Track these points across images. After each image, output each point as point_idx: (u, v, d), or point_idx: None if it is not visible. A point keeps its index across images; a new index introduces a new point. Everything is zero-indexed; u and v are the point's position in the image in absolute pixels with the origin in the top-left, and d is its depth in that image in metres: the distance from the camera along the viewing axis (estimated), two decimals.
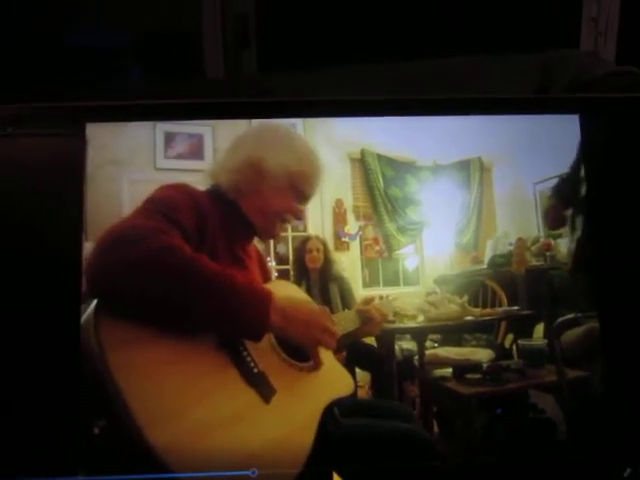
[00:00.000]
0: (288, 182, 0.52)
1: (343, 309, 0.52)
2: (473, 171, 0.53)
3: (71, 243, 0.50)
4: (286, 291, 0.51)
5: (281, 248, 0.53)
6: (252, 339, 0.48)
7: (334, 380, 0.51)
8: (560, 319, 0.51)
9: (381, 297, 0.53)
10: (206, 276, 0.46)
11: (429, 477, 0.48)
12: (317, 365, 0.50)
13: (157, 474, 0.44)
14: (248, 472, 0.46)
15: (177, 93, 0.97)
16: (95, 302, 0.45)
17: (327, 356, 0.51)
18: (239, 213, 0.52)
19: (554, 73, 0.89)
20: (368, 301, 0.52)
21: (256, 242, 0.54)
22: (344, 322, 0.51)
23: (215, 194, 0.52)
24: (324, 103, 0.53)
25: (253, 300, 0.47)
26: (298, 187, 0.52)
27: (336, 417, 0.50)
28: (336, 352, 0.52)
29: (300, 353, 0.50)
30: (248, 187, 0.52)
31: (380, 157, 0.53)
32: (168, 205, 0.48)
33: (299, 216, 0.53)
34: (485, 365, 0.51)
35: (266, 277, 0.54)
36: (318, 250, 0.53)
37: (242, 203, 0.52)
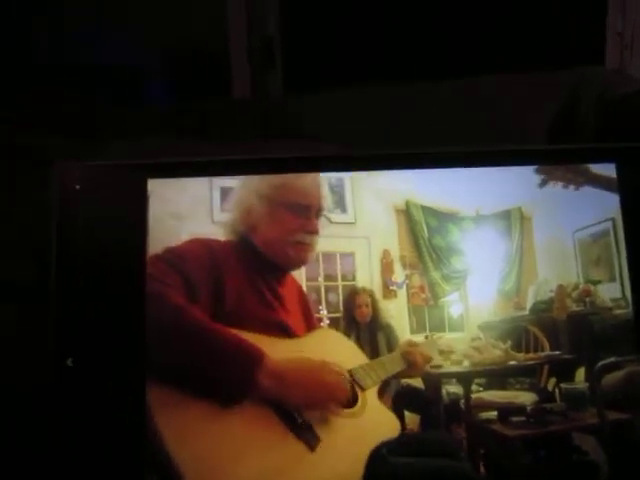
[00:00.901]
0: (269, 204, 0.54)
1: (389, 353, 0.55)
2: (514, 220, 0.56)
3: (135, 294, 0.53)
4: (326, 342, 0.54)
5: (332, 297, 0.56)
6: (230, 402, 0.47)
7: (379, 423, 0.53)
8: (601, 363, 0.53)
9: (426, 336, 0.55)
10: (192, 326, 0.48)
11: None
12: (333, 415, 0.50)
13: None
14: None
15: (203, 113, 1.00)
16: None
17: (371, 399, 0.54)
18: (257, 253, 0.54)
19: (580, 91, 0.91)
20: (412, 344, 0.55)
21: (304, 287, 0.56)
22: (388, 365, 0.54)
23: (235, 243, 0.54)
24: (368, 157, 0.56)
25: (239, 359, 0.48)
26: (283, 201, 0.54)
27: (384, 457, 0.52)
28: (380, 396, 0.54)
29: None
30: (244, 227, 0.54)
31: (424, 208, 0.56)
32: (177, 254, 0.51)
33: (309, 230, 0.54)
34: (529, 408, 0.54)
35: (310, 322, 0.56)
36: (367, 305, 0.56)
37: (255, 242, 0.54)
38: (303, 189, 0.54)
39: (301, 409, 0.49)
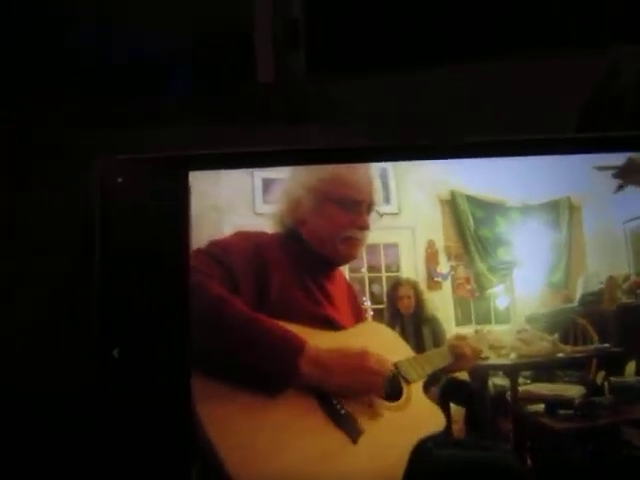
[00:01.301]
0: (318, 197, 0.53)
1: (435, 346, 0.54)
2: (562, 211, 0.55)
3: (179, 287, 0.53)
4: (371, 334, 0.54)
5: (376, 288, 0.55)
6: (274, 390, 0.48)
7: (424, 417, 0.53)
8: None
9: (476, 330, 0.55)
10: (233, 316, 0.48)
11: None
12: (372, 408, 0.50)
13: None
14: None
15: (228, 97, 0.99)
16: None
17: (416, 393, 0.54)
18: (305, 247, 0.53)
19: (619, 66, 0.88)
20: (461, 337, 0.54)
21: (348, 279, 0.56)
22: (435, 359, 0.53)
23: (280, 235, 0.54)
24: (411, 148, 0.55)
25: (280, 348, 0.48)
26: (333, 196, 0.53)
27: (428, 450, 0.52)
28: (426, 390, 0.54)
29: (390, 392, 0.52)
30: (292, 220, 0.53)
31: (469, 198, 0.55)
32: (221, 247, 0.51)
33: (360, 225, 0.53)
34: (577, 401, 0.53)
35: (358, 316, 0.56)
36: (409, 297, 0.56)
37: (303, 235, 0.53)
38: (354, 183, 0.53)
39: (343, 398, 0.49)
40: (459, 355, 0.54)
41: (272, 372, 0.48)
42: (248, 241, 0.52)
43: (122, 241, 0.54)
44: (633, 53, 0.93)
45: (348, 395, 0.50)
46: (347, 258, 0.55)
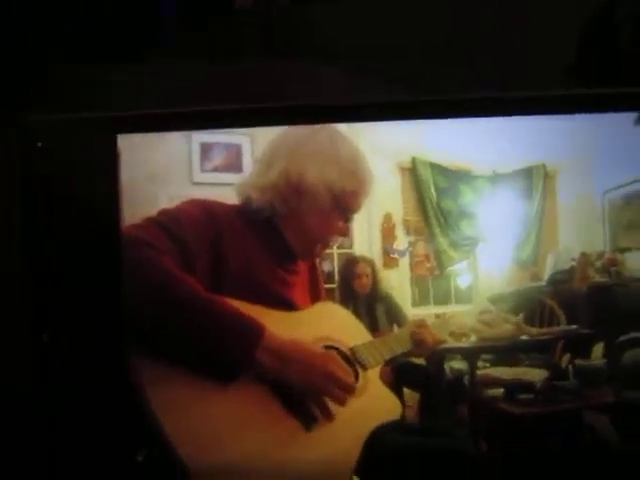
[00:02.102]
0: (331, 201, 0.47)
1: (391, 327, 0.51)
2: (536, 179, 0.49)
3: (111, 258, 0.49)
4: (327, 316, 0.50)
5: (326, 266, 0.51)
6: (227, 377, 0.44)
7: (380, 405, 0.50)
8: (623, 337, 0.49)
9: (437, 316, 0.51)
10: (186, 296, 0.43)
11: None
12: (329, 418, 0.47)
13: None
14: None
15: (207, 28, 0.91)
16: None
17: (373, 381, 0.51)
18: (275, 234, 0.48)
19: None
20: (422, 325, 0.50)
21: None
22: (395, 344, 0.50)
23: (245, 211, 0.48)
24: (372, 106, 0.49)
25: (238, 335, 0.44)
26: (343, 205, 0.48)
27: (382, 440, 0.50)
28: (382, 374, 0.51)
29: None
30: (284, 207, 0.47)
31: (433, 166, 0.49)
32: (174, 219, 0.46)
33: (345, 234, 0.50)
34: (538, 385, 0.50)
35: (318, 296, 0.52)
36: (367, 275, 0.51)
37: (279, 223, 0.48)
38: (363, 201, 0.48)
39: (299, 391, 0.46)
40: (419, 342, 0.50)
41: (227, 359, 0.44)
42: (203, 211, 0.47)
43: (45, 214, 0.49)
44: None
45: (302, 390, 0.46)
46: (315, 257, 0.51)
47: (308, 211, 0.47)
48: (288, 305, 0.49)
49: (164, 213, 0.46)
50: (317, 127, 0.48)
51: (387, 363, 0.50)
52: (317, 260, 0.51)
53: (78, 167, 0.49)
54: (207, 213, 0.47)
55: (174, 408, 0.44)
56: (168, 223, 0.45)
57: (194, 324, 0.43)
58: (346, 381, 0.46)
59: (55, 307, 0.49)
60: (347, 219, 0.49)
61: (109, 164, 0.49)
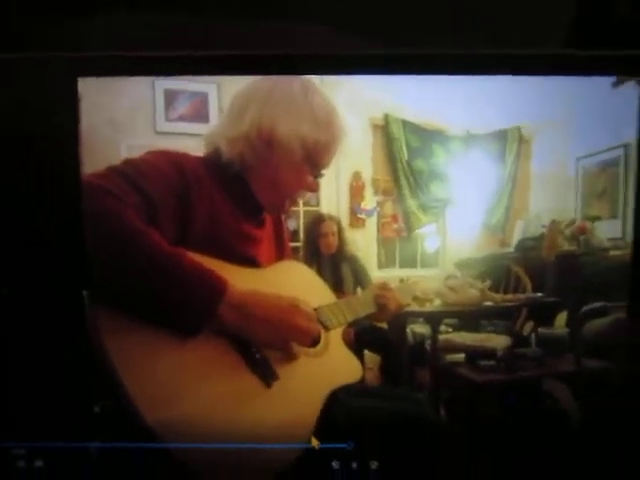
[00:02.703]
0: (303, 154, 0.46)
1: (355, 288, 0.50)
2: (510, 142, 0.48)
3: (70, 207, 0.47)
4: (290, 275, 0.50)
5: (291, 223, 0.50)
6: (189, 331, 0.44)
7: (341, 367, 0.50)
8: (586, 307, 0.48)
9: (401, 280, 0.50)
10: (150, 251, 0.42)
11: (433, 460, 0.49)
12: (292, 357, 0.46)
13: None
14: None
15: None
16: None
17: (335, 342, 0.50)
18: (243, 187, 0.47)
19: None
20: (385, 287, 0.49)
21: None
22: (358, 306, 0.49)
23: (214, 162, 0.46)
24: (346, 58, 0.47)
25: (200, 288, 0.43)
26: (314, 159, 0.46)
27: (341, 402, 0.49)
28: (344, 336, 0.50)
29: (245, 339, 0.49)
30: (255, 159, 0.46)
31: (406, 124, 0.48)
32: (139, 170, 0.44)
33: (314, 189, 0.48)
34: (500, 352, 0.50)
35: (282, 254, 0.51)
36: (333, 234, 0.50)
37: (247, 176, 0.47)
38: (334, 153, 0.47)
39: (262, 346, 0.46)
40: (382, 306, 0.50)
41: (190, 314, 0.43)
42: (170, 163, 0.45)
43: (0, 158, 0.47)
44: None
45: (266, 345, 0.46)
46: (282, 212, 0.50)
47: (279, 163, 0.46)
48: (252, 262, 0.48)
49: (129, 163, 0.44)
50: (290, 78, 0.46)
51: (350, 325, 0.50)
52: (283, 217, 0.50)
53: (36, 109, 0.47)
54: (174, 165, 0.45)
55: (133, 360, 0.43)
56: (133, 175, 0.43)
57: (157, 278, 0.43)
58: (313, 332, 0.46)
59: (12, 258, 0.48)
60: (317, 174, 0.47)
61: (69, 107, 0.47)
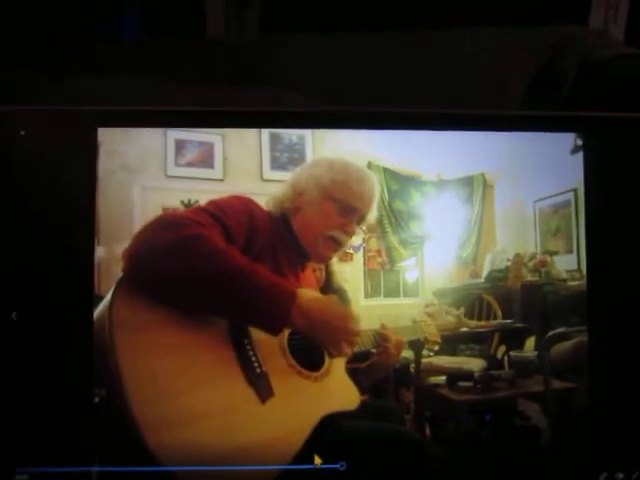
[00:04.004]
0: (323, 193, 0.55)
1: None
2: (476, 187, 0.56)
3: (83, 246, 0.52)
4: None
5: None
6: (270, 332, 0.52)
7: (339, 393, 0.54)
8: (551, 332, 0.54)
9: (415, 322, 0.56)
10: (232, 266, 0.50)
11: (417, 477, 0.52)
12: (343, 355, 0.54)
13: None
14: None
15: (175, 51, 0.96)
16: (114, 286, 0.50)
17: (337, 369, 0.55)
18: (292, 237, 0.56)
19: (563, 50, 0.89)
20: (385, 327, 0.56)
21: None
22: (360, 340, 0.54)
23: (272, 216, 0.56)
24: (333, 114, 0.55)
25: (276, 297, 0.50)
26: (336, 197, 0.55)
27: (332, 423, 0.53)
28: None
29: (310, 362, 0.54)
30: (293, 209, 0.56)
31: (386, 170, 0.55)
32: (219, 207, 0.53)
33: (347, 230, 0.56)
34: (477, 374, 0.55)
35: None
36: (320, 269, 0.57)
37: (293, 226, 0.56)
38: (359, 193, 0.56)
39: (321, 344, 0.53)
40: (382, 347, 0.56)
41: (269, 316, 0.50)
42: (245, 206, 0.54)
43: (23, 199, 0.52)
44: (577, 34, 0.93)
45: (324, 343, 0.53)
46: (322, 257, 0.57)
47: (307, 206, 0.56)
48: None
49: (210, 203, 0.53)
50: (333, 159, 0.56)
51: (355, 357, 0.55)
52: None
53: (57, 156, 0.52)
54: (248, 210, 0.54)
55: (135, 356, 0.48)
56: (215, 211, 0.52)
57: (242, 288, 0.50)
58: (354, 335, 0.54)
59: (23, 290, 0.51)
60: (349, 215, 0.56)
61: (88, 154, 0.53)
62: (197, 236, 0.50)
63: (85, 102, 0.55)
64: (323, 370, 0.55)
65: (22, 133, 0.52)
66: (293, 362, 0.53)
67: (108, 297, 0.49)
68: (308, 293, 0.52)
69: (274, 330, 0.51)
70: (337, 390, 0.55)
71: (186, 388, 0.48)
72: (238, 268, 0.50)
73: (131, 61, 0.86)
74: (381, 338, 0.56)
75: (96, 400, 0.49)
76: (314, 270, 0.57)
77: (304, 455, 0.50)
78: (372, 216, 0.57)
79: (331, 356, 0.55)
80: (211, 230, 0.51)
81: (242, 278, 0.50)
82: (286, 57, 0.93)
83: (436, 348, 0.56)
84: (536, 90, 0.87)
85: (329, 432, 0.52)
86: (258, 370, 0.51)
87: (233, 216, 0.53)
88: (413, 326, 0.56)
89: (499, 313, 0.57)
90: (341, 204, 0.56)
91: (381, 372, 0.56)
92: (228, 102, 0.74)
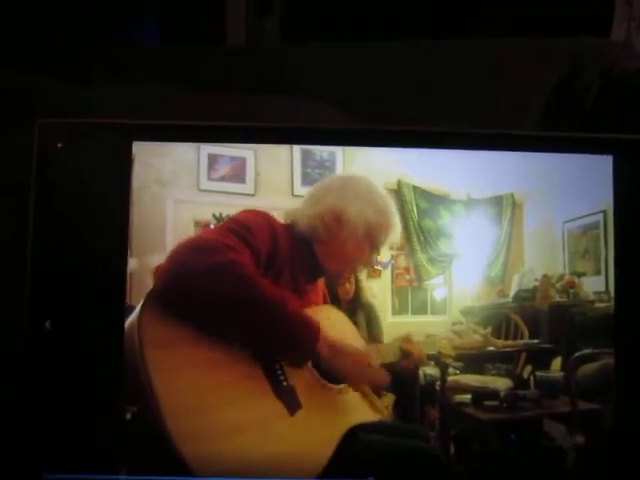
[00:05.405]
0: (365, 231, 0.56)
1: (369, 335, 0.56)
2: (505, 206, 0.56)
3: (117, 257, 0.53)
4: (331, 318, 0.57)
5: None
6: (295, 366, 0.53)
7: (362, 405, 0.55)
8: (577, 353, 0.55)
9: (428, 335, 0.56)
10: (262, 297, 0.51)
11: None
12: (364, 395, 0.56)
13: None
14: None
15: (194, 60, 0.97)
16: (142, 301, 0.51)
17: None
18: (312, 254, 0.57)
19: (585, 62, 0.89)
20: (409, 339, 0.57)
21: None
22: (385, 353, 0.55)
23: (292, 230, 0.57)
24: (363, 132, 0.56)
25: (302, 329, 0.52)
26: (373, 236, 0.57)
27: (357, 438, 0.54)
28: None
29: (333, 375, 0.55)
30: (326, 234, 0.57)
31: (415, 189, 0.56)
32: (244, 226, 0.54)
33: (369, 264, 0.58)
34: (502, 393, 0.55)
35: (322, 301, 0.59)
36: (350, 282, 0.57)
37: (316, 246, 0.57)
38: (387, 228, 0.57)
39: (345, 380, 0.54)
40: (407, 353, 0.57)
41: (296, 347, 0.52)
42: (265, 221, 0.56)
43: (59, 209, 0.53)
44: (600, 47, 0.93)
45: (347, 379, 0.55)
46: (340, 281, 0.59)
47: (345, 238, 0.56)
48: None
49: (233, 221, 0.55)
50: (356, 177, 0.57)
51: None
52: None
53: (93, 168, 0.54)
54: (268, 224, 0.56)
55: (168, 372, 0.49)
56: (241, 231, 0.54)
57: (273, 318, 0.52)
58: (380, 381, 0.56)
59: (58, 299, 0.53)
60: (373, 252, 0.58)
61: (123, 167, 0.54)
62: (230, 263, 0.51)
63: (113, 111, 0.57)
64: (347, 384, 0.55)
65: (59, 145, 0.54)
66: (318, 376, 0.54)
67: (136, 312, 0.51)
68: (326, 320, 0.54)
69: (300, 362, 0.53)
70: (361, 403, 0.56)
71: (217, 403, 0.49)
72: (267, 298, 0.51)
73: (149, 68, 0.87)
74: (405, 352, 0.57)
75: (128, 416, 0.50)
76: (343, 283, 0.58)
77: (332, 467, 0.52)
78: (387, 245, 0.58)
79: (356, 390, 0.56)
80: (242, 254, 0.52)
81: (270, 308, 0.51)
82: (307, 65, 0.94)
83: (449, 361, 0.56)
84: (557, 103, 0.87)
85: (356, 445, 0.54)
86: (285, 383, 0.53)
87: (258, 234, 0.54)
88: (426, 340, 0.57)
89: (526, 333, 0.57)
90: (374, 243, 0.57)
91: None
92: (246, 111, 0.75)
